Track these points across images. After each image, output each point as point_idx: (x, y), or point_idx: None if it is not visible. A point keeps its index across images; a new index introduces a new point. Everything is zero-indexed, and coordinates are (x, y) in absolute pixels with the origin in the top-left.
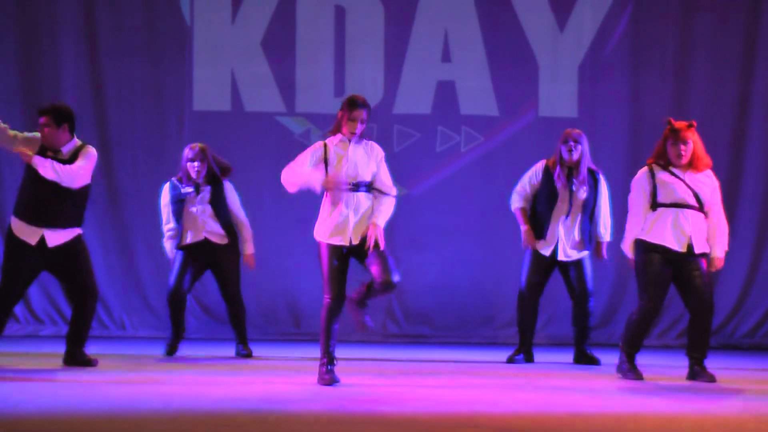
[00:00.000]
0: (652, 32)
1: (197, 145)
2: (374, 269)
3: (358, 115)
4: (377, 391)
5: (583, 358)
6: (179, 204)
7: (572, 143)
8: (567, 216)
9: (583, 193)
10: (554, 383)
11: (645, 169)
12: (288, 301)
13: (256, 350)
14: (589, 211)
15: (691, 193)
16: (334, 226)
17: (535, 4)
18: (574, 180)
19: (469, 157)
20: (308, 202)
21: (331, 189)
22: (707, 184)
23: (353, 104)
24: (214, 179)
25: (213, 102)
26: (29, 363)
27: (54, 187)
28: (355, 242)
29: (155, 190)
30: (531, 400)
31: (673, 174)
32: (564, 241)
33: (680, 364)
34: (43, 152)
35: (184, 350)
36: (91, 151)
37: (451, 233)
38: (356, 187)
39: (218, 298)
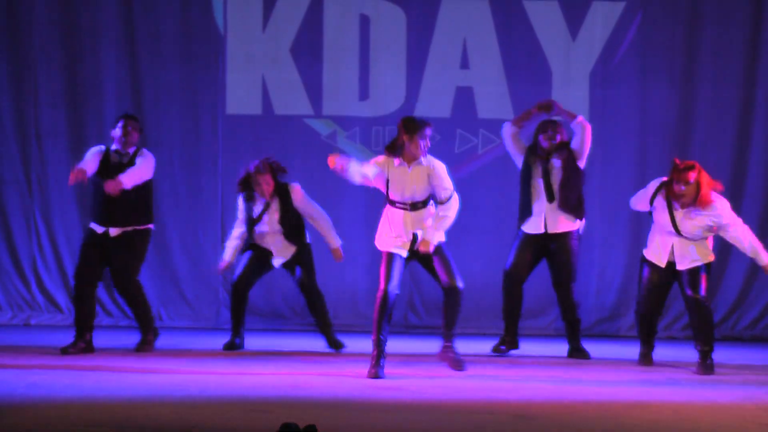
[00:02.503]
0: (660, 40)
1: (263, 163)
2: (440, 273)
3: (419, 136)
4: (398, 380)
5: (575, 353)
6: (250, 221)
7: (551, 132)
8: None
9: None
10: (566, 372)
11: (658, 182)
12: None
13: (283, 341)
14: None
15: (674, 230)
16: (394, 240)
17: (549, 14)
18: (552, 161)
19: (486, 158)
20: (339, 202)
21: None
22: (705, 220)
23: (414, 128)
24: (280, 190)
25: (245, 106)
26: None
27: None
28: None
29: (190, 188)
30: (544, 388)
31: (669, 206)
32: (548, 216)
33: (685, 354)
34: (106, 158)
35: (219, 340)
36: (148, 154)
37: (468, 230)
38: (414, 206)
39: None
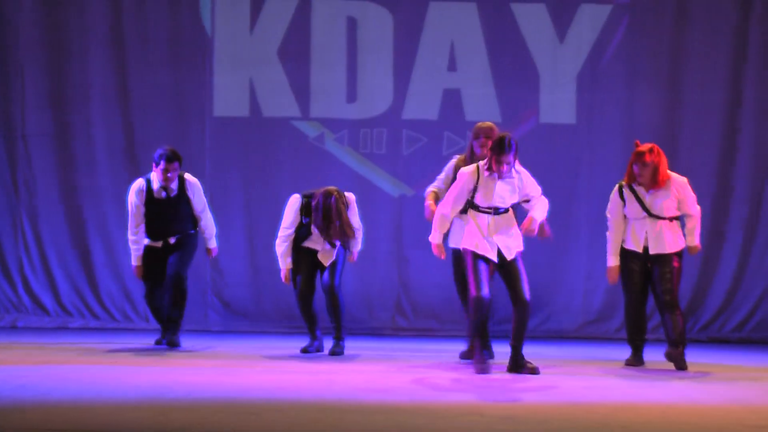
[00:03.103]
0: (646, 43)
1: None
2: (510, 286)
3: (505, 160)
4: (388, 381)
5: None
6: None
7: (483, 139)
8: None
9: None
10: (554, 374)
11: (616, 185)
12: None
13: (271, 343)
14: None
15: (645, 212)
16: (477, 241)
17: (537, 16)
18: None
19: None
20: None
21: None
22: (667, 194)
23: (501, 150)
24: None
25: (232, 108)
26: (62, 354)
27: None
28: (497, 258)
29: None
30: (532, 389)
31: (635, 193)
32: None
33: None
34: (150, 192)
35: (207, 342)
36: (194, 184)
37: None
38: (496, 210)
39: (238, 293)
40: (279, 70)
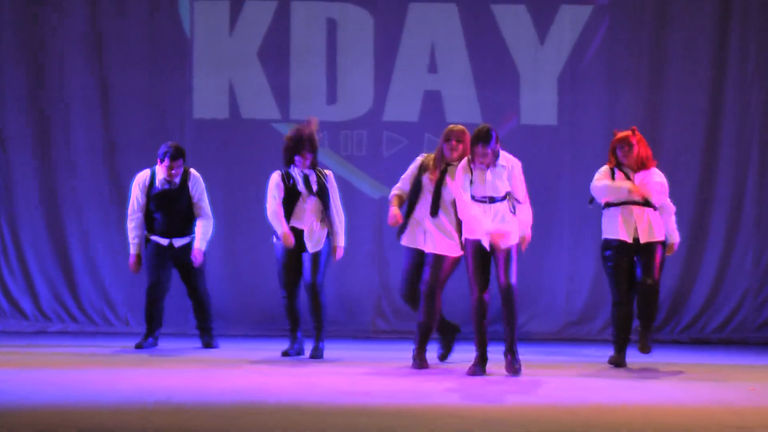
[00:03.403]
0: (627, 44)
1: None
2: (499, 270)
3: (478, 151)
4: (369, 384)
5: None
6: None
7: (454, 142)
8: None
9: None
10: (534, 375)
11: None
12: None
13: (254, 345)
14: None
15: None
16: (476, 228)
17: (517, 18)
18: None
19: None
20: None
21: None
22: (652, 178)
23: (483, 139)
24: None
25: (211, 110)
26: (41, 358)
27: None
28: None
29: None
30: (513, 391)
31: (624, 173)
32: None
33: (656, 359)
34: (152, 183)
35: (187, 345)
36: (196, 178)
37: None
38: (492, 200)
39: (217, 295)
40: (258, 71)
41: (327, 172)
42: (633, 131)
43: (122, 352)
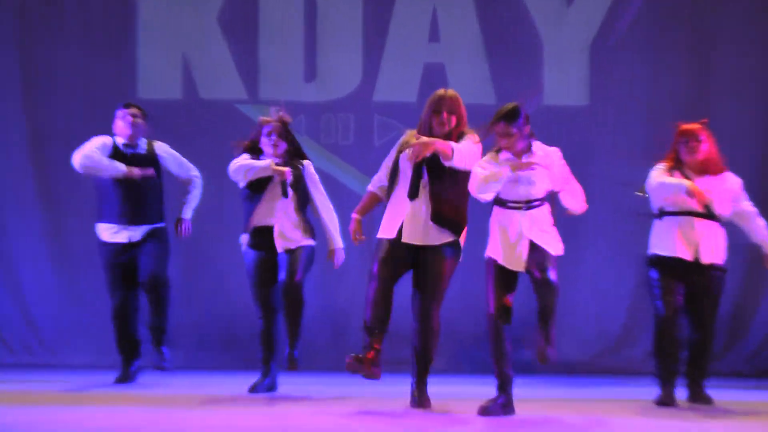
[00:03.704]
0: (673, 5)
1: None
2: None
3: (500, 130)
4: (357, 428)
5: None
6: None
7: (445, 114)
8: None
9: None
10: (557, 414)
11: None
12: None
13: (217, 378)
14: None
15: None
16: (503, 249)
17: None
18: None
19: None
20: None
21: None
22: (722, 188)
23: (495, 118)
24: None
25: (161, 89)
26: None
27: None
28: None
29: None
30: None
31: (684, 175)
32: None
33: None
34: (116, 149)
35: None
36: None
37: None
38: (528, 204)
39: (170, 316)
40: (220, 42)
41: (304, 161)
42: (703, 124)
43: (51, 388)
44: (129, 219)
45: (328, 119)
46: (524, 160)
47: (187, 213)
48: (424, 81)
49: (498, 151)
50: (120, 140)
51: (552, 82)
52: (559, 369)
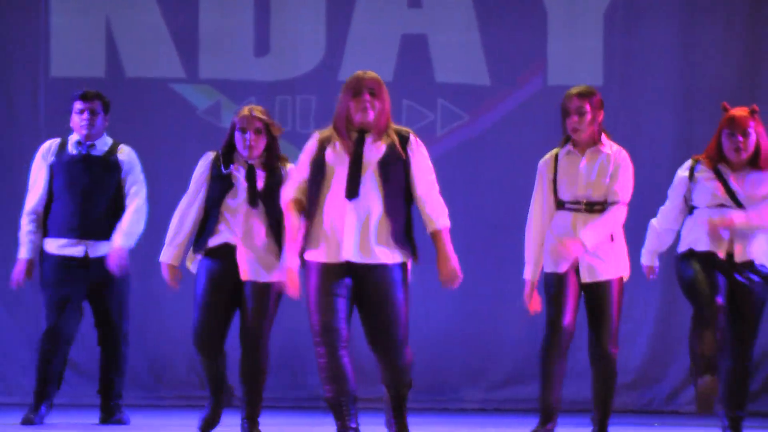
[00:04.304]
0: None
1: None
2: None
3: (573, 106)
4: None
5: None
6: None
7: (367, 96)
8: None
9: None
10: None
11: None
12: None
13: (174, 420)
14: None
15: (731, 201)
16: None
17: None
18: None
19: (448, 142)
20: None
21: None
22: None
23: (567, 96)
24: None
25: (79, 65)
26: None
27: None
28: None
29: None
30: None
31: (717, 173)
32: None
33: None
34: (63, 150)
35: (78, 419)
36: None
37: (422, 249)
38: (589, 206)
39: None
40: (151, 7)
41: (287, 165)
42: (752, 112)
43: None
44: (80, 234)
45: (284, 102)
46: (588, 153)
47: (118, 239)
48: (402, 56)
49: (564, 142)
50: (75, 138)
51: (558, 55)
52: (568, 409)
